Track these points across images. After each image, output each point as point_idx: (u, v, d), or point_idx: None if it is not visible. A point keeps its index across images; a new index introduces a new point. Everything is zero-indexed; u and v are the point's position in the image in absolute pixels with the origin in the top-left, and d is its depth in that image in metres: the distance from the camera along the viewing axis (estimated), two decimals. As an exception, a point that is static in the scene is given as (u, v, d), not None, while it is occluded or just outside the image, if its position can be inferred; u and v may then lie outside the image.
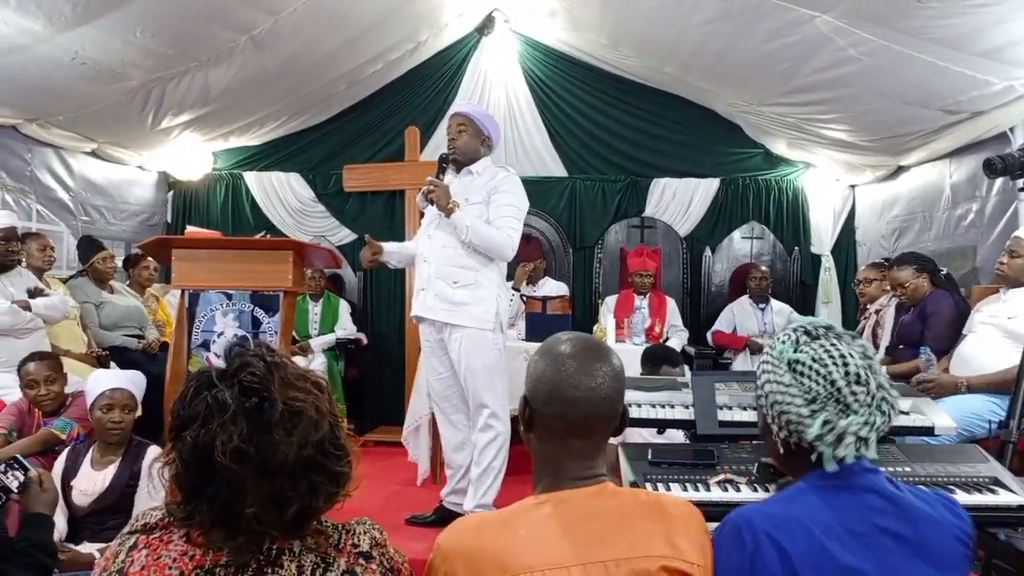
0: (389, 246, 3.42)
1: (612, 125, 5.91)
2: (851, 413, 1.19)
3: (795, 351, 1.24)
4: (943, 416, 2.05)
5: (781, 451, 1.27)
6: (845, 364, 1.21)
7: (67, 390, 3.16)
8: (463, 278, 3.13)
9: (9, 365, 3.36)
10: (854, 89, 4.07)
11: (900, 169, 5.05)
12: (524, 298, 4.93)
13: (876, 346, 4.01)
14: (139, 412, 2.81)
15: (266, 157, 6.07)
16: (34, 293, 3.72)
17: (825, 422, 1.19)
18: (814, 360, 1.22)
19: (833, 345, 1.23)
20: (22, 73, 3.66)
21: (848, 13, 3.41)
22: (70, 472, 2.67)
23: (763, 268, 5.39)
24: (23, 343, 3.50)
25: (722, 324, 5.36)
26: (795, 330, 1.28)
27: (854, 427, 1.19)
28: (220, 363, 1.06)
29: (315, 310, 5.34)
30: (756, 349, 5.14)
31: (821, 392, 1.20)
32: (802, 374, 1.22)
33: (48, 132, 4.56)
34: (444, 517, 3.25)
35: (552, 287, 5.33)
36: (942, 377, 3.11)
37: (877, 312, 4.12)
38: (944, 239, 4.48)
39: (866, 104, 4.23)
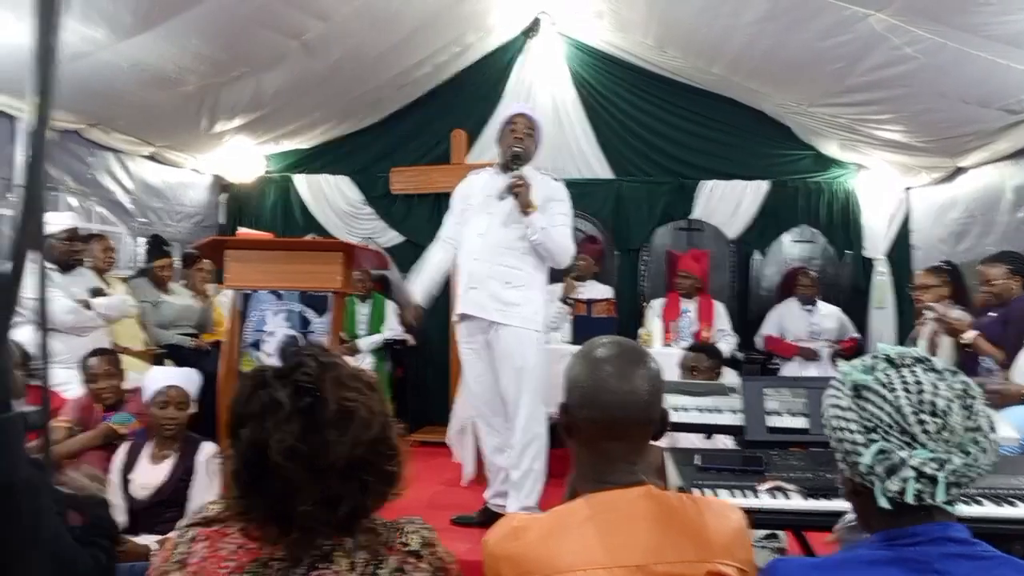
0: (423, 290, 3.40)
1: (659, 127, 5.86)
2: (917, 446, 1.02)
3: (864, 374, 1.09)
4: (1005, 426, 1.99)
5: (848, 492, 1.12)
6: (920, 392, 1.03)
7: (125, 387, 3.26)
8: (516, 279, 3.16)
9: (72, 362, 3.49)
10: (910, 88, 3.97)
11: (958, 171, 4.90)
12: (570, 301, 4.92)
13: (933, 353, 3.89)
14: (194, 409, 2.89)
15: (315, 160, 6.18)
16: (96, 292, 3.85)
17: (881, 451, 1.03)
18: (882, 384, 1.06)
19: (913, 373, 1.06)
20: (85, 80, 3.79)
21: (903, 10, 3.33)
22: (129, 466, 2.75)
23: (812, 274, 5.27)
24: (85, 340, 3.63)
25: (769, 326, 5.26)
26: (875, 356, 1.11)
27: (916, 460, 1.01)
28: (274, 362, 1.09)
29: (363, 311, 5.41)
30: (809, 356, 5.03)
31: (883, 419, 1.04)
32: (865, 399, 1.07)
33: (109, 136, 4.72)
34: (489, 519, 3.26)
35: (597, 290, 5.30)
36: (1007, 386, 3.01)
37: (936, 320, 4.00)
38: (1005, 243, 4.32)
39: (922, 104, 4.12)
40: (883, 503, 1.03)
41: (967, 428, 1.03)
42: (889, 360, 1.09)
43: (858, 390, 1.08)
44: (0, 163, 3.86)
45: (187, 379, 2.89)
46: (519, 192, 3.08)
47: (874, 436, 1.04)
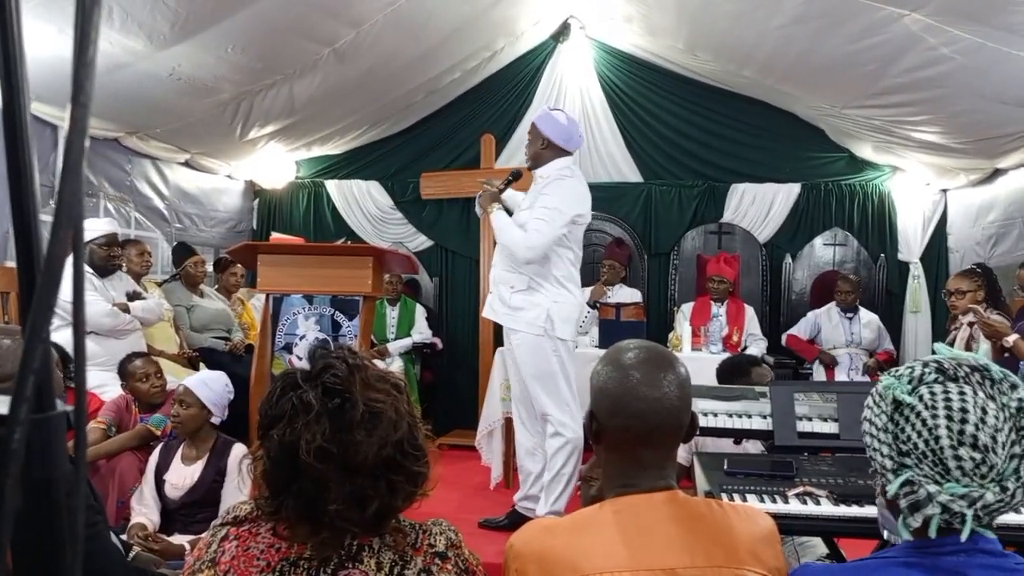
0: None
1: (689, 130, 5.82)
2: (948, 480, 0.97)
3: (910, 390, 1.03)
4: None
5: (883, 500, 1.10)
6: (963, 420, 0.97)
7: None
8: (518, 283, 3.19)
9: (109, 364, 3.56)
10: (947, 89, 3.90)
11: (997, 172, 4.80)
12: (598, 305, 4.92)
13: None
14: (208, 413, 2.81)
15: (346, 166, 6.25)
16: (133, 296, 3.94)
17: (907, 482, 0.98)
18: (926, 406, 1.00)
19: (963, 393, 0.99)
20: (124, 89, 3.88)
21: (940, 11, 3.27)
22: (163, 466, 2.80)
23: (852, 278, 5.15)
24: (122, 344, 3.70)
25: (801, 329, 5.17)
26: (926, 364, 1.04)
27: (943, 497, 0.96)
28: (304, 365, 1.11)
29: (392, 314, 5.45)
30: (829, 362, 4.96)
31: (919, 446, 0.99)
32: (906, 419, 1.01)
33: (147, 144, 4.82)
34: (516, 521, 3.26)
35: (626, 294, 5.29)
36: None
37: (971, 325, 3.91)
38: (1046, 246, 4.23)
39: (960, 105, 4.04)
40: (904, 535, 1.00)
41: (1012, 455, 0.98)
42: (941, 370, 1.03)
43: (899, 407, 1.03)
44: (42, 171, 3.96)
45: (202, 381, 2.86)
46: (480, 199, 3.26)
47: (907, 460, 1.01)
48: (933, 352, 1.09)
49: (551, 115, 3.30)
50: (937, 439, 0.98)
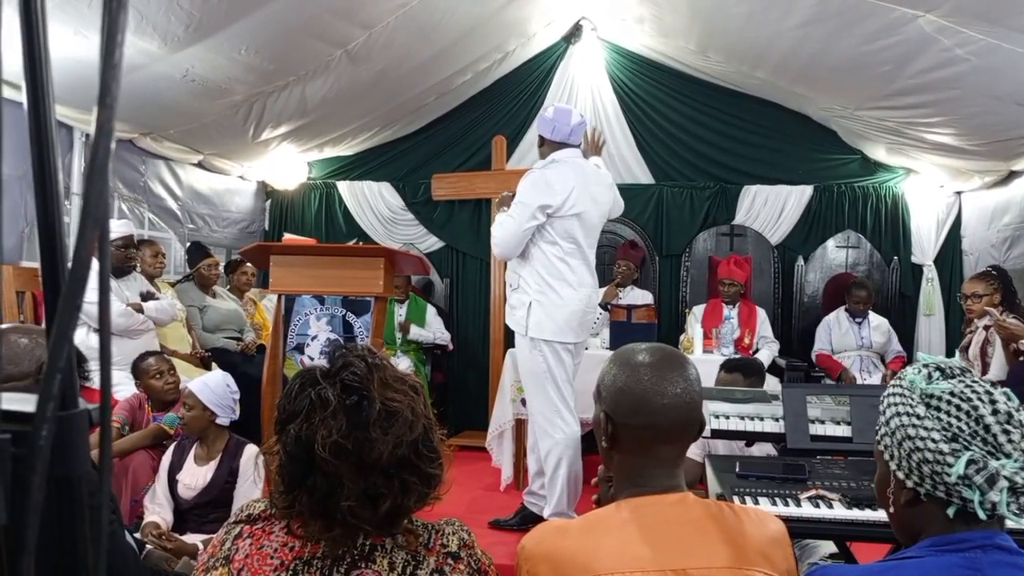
0: None
1: (701, 131, 5.80)
2: (1002, 455, 0.99)
3: (928, 384, 1.06)
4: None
5: (903, 502, 1.07)
6: (993, 401, 1.01)
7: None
8: (513, 282, 3.26)
9: (122, 364, 3.59)
10: (961, 91, 3.87)
11: (1012, 175, 4.76)
12: (610, 307, 4.91)
13: (986, 364, 3.77)
14: (211, 414, 2.81)
15: (358, 167, 6.27)
16: (146, 297, 3.96)
17: (971, 461, 0.99)
18: (953, 394, 1.03)
19: (975, 381, 1.04)
20: (139, 91, 3.91)
21: (954, 12, 3.25)
22: (176, 466, 2.82)
23: (867, 284, 5.10)
24: (135, 343, 3.73)
25: (823, 342, 5.09)
26: (926, 365, 1.09)
27: (1008, 470, 0.97)
28: (321, 362, 1.12)
29: (400, 312, 5.45)
30: (849, 381, 4.91)
31: (964, 429, 1.01)
32: (939, 408, 1.03)
33: (160, 145, 4.85)
34: (526, 519, 3.27)
35: (637, 295, 5.28)
36: None
37: (987, 328, 3.88)
38: (1061, 249, 4.19)
39: (975, 106, 4.01)
40: (981, 515, 0.99)
41: None
42: (940, 369, 1.07)
43: (930, 399, 1.05)
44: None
45: (205, 383, 2.86)
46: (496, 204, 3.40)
47: (956, 446, 1.01)
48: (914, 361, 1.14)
49: (542, 113, 3.40)
50: (980, 418, 1.00)
